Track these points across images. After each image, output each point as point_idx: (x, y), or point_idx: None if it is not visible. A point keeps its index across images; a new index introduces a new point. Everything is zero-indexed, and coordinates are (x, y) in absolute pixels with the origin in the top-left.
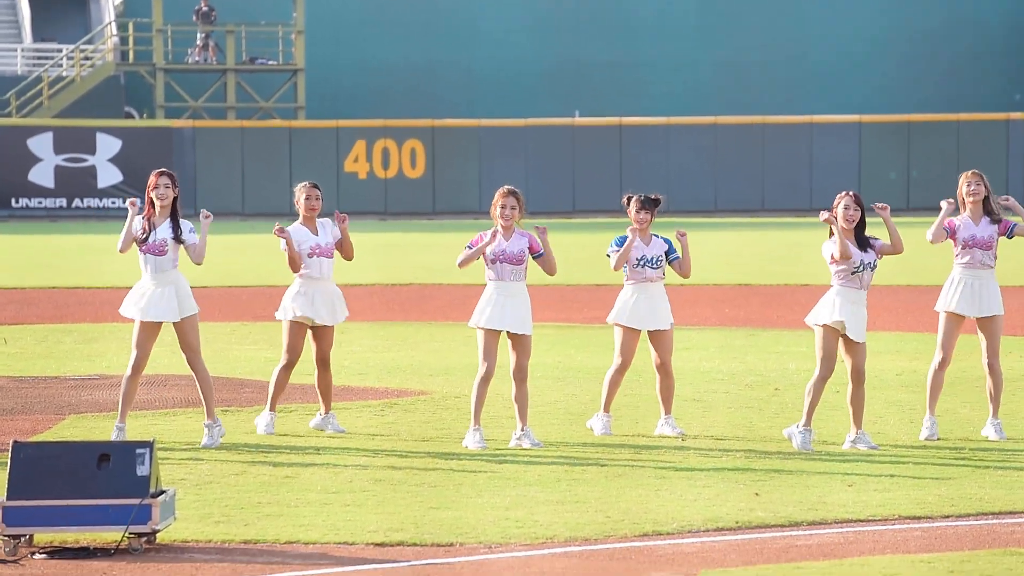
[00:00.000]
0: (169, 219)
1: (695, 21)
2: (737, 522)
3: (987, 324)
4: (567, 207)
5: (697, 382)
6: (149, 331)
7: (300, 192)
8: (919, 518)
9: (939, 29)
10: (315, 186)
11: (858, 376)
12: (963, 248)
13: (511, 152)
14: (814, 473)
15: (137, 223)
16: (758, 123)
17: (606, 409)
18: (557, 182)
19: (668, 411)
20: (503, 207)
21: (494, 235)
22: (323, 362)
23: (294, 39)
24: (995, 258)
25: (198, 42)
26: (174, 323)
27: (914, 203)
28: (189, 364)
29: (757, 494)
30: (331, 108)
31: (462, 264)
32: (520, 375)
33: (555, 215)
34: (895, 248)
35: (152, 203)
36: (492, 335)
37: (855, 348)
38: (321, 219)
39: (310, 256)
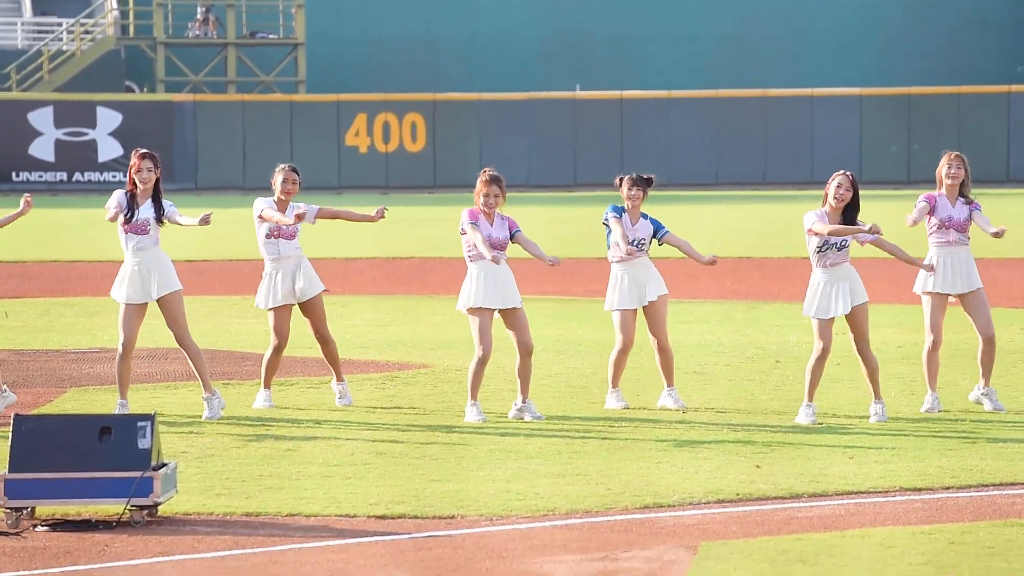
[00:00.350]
0: (151, 200)
1: None
2: (738, 494)
3: (970, 299)
4: (568, 181)
5: (698, 355)
6: (133, 312)
7: (278, 174)
8: (920, 490)
9: (940, 1)
10: (294, 170)
11: (861, 345)
12: (939, 228)
13: (512, 126)
14: (815, 445)
15: (119, 199)
16: (759, 96)
17: (614, 386)
18: (558, 156)
19: (670, 383)
20: (487, 196)
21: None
22: (319, 336)
23: (294, 13)
24: (969, 238)
25: (198, 16)
26: (157, 301)
27: (915, 176)
28: (178, 341)
29: (758, 466)
30: (332, 82)
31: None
32: (525, 348)
33: (556, 189)
34: (887, 249)
35: (134, 182)
36: (485, 316)
37: (850, 319)
38: (294, 203)
39: (268, 237)
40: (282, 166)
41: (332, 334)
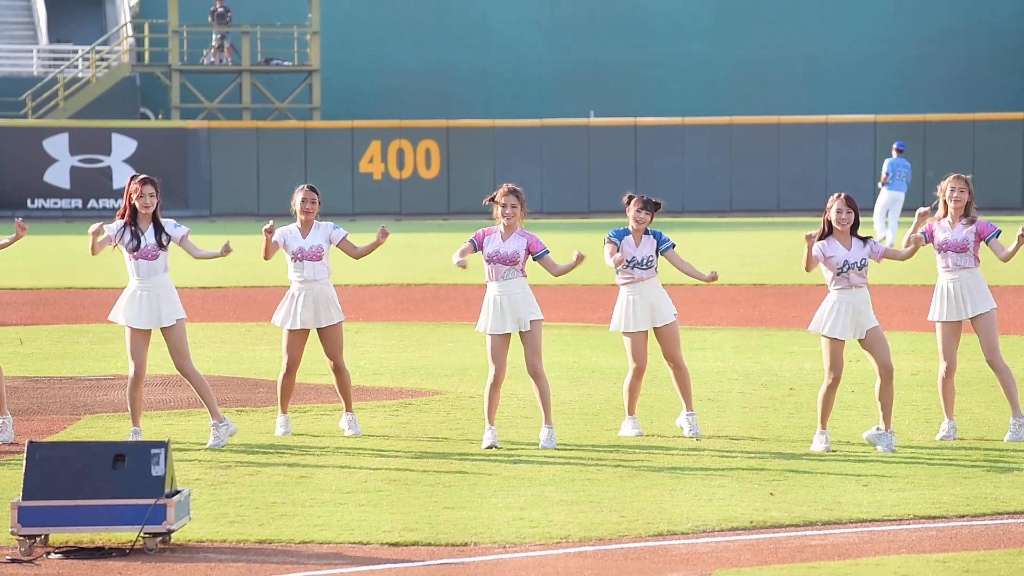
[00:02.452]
0: (152, 224)
1: (710, 21)
2: (752, 522)
3: (978, 323)
4: (582, 207)
5: (712, 382)
6: (140, 339)
7: (297, 194)
8: (934, 518)
9: (954, 29)
10: (312, 189)
11: (885, 371)
12: (939, 252)
13: (526, 152)
14: (829, 473)
15: (115, 227)
16: (773, 123)
17: (631, 412)
18: (572, 182)
19: (688, 407)
20: (504, 206)
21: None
22: (333, 366)
23: (309, 40)
24: (975, 259)
25: (213, 43)
26: (162, 329)
27: (929, 202)
28: (179, 369)
29: (772, 494)
30: (346, 109)
31: (457, 263)
32: (532, 371)
33: (570, 215)
34: (902, 257)
35: (133, 209)
36: (498, 338)
37: (869, 344)
38: (322, 222)
39: (294, 259)
40: (300, 187)
41: (347, 365)
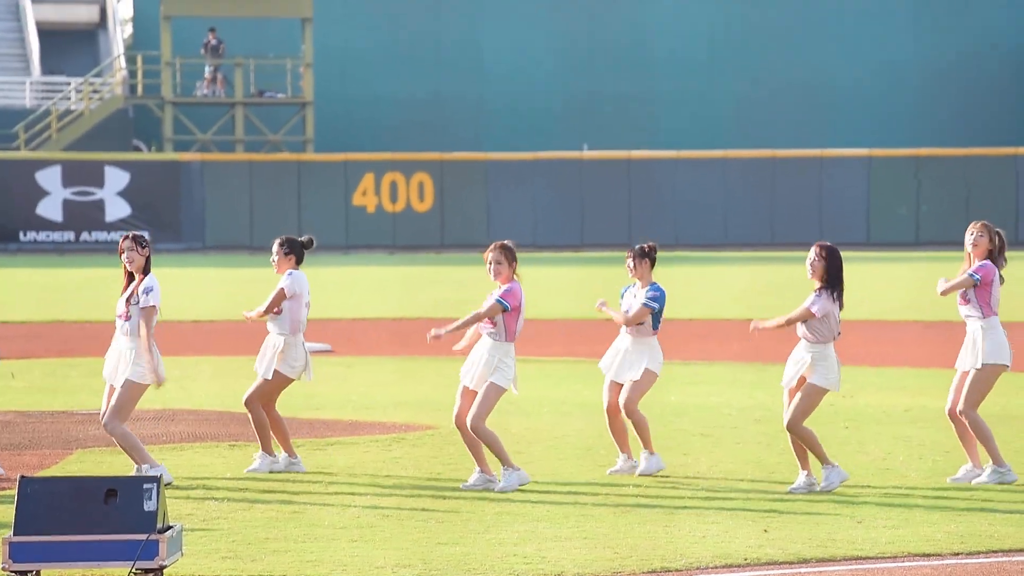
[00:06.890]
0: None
1: (705, 55)
2: (746, 559)
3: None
4: (575, 241)
5: (705, 417)
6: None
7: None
8: (928, 555)
9: (949, 65)
10: (278, 243)
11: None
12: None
13: (519, 185)
14: (823, 510)
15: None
16: (768, 157)
17: (622, 450)
18: (565, 216)
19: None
20: (488, 262)
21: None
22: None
23: (302, 72)
24: (979, 307)
25: (206, 75)
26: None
27: (923, 237)
28: (104, 423)
29: (766, 531)
30: (340, 141)
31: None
32: (471, 424)
33: (563, 249)
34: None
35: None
36: (463, 386)
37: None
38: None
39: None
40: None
41: (258, 411)
